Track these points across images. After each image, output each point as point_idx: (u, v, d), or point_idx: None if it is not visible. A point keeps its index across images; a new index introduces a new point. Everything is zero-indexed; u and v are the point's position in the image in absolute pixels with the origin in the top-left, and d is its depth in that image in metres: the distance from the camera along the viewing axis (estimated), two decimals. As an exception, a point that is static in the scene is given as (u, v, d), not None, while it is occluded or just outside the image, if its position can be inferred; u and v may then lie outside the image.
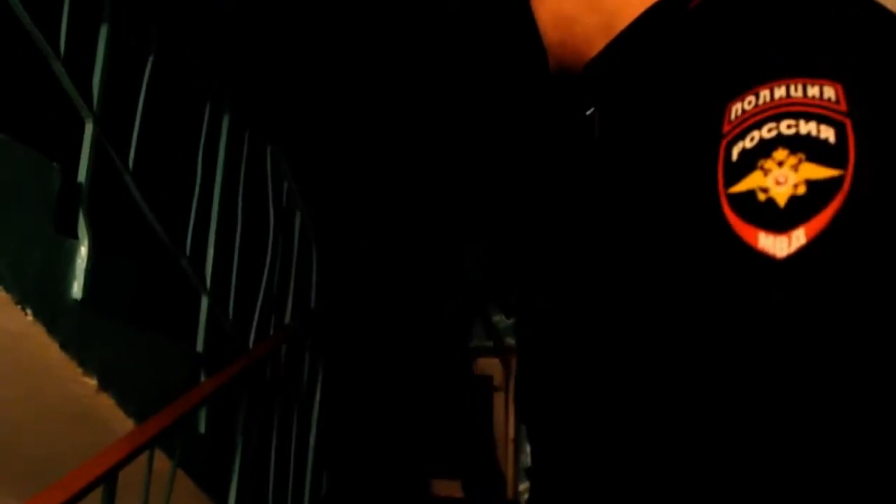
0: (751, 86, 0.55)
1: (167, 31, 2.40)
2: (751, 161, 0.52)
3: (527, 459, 5.08)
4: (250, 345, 2.90)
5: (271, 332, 3.09)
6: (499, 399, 5.40)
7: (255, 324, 2.96)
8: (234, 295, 2.79)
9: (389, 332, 4.70)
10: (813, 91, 0.53)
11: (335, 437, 3.76)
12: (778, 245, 0.49)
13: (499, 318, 5.49)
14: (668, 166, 0.58)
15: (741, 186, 0.52)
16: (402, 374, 4.66)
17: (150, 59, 2.31)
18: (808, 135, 0.51)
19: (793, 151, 0.51)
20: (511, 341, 5.50)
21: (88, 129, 2.04)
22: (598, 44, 0.73)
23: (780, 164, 0.51)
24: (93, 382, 2.00)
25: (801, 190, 0.50)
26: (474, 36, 3.82)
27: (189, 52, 2.63)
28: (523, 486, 5.18)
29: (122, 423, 2.13)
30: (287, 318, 3.27)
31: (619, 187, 0.62)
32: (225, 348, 2.71)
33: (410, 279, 4.86)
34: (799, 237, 0.49)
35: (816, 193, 0.50)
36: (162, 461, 2.14)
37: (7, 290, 1.73)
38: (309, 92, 4.25)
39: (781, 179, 0.51)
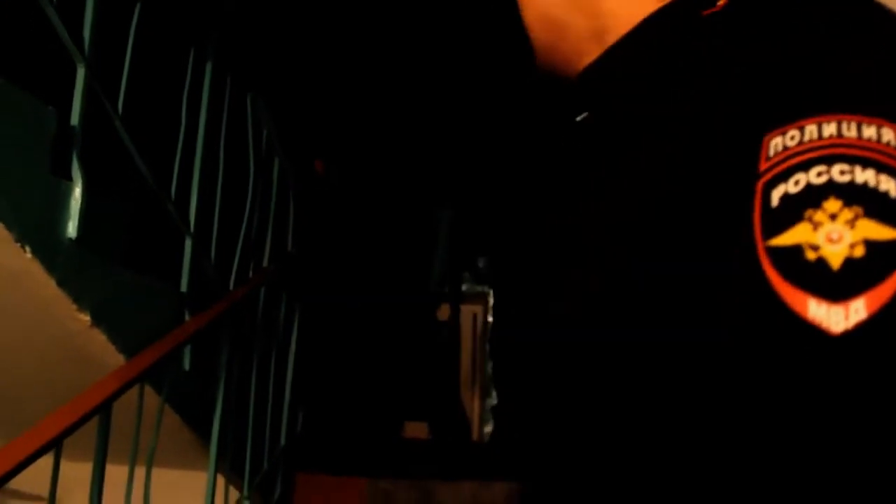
0: (794, 117, 0.47)
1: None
2: (796, 210, 0.45)
3: (492, 402, 5.24)
4: (231, 286, 2.99)
5: (250, 274, 3.18)
6: (466, 344, 5.54)
7: (235, 266, 3.04)
8: (216, 238, 2.87)
9: (363, 278, 4.80)
10: (869, 132, 0.45)
11: (310, 376, 3.87)
12: (833, 317, 0.42)
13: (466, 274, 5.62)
14: (682, 196, 0.51)
15: (784, 239, 0.45)
16: (375, 319, 4.77)
17: (138, 5, 2.35)
18: (866, 185, 0.44)
19: (847, 203, 0.44)
20: (479, 289, 5.63)
21: (80, 73, 2.09)
22: (589, 50, 0.68)
23: (833, 217, 0.44)
24: (86, 318, 2.09)
25: (859, 252, 0.43)
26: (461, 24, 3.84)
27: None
28: (488, 428, 5.35)
29: (114, 358, 2.22)
30: (265, 262, 3.36)
31: (619, 205, 0.56)
32: (208, 289, 2.79)
33: (384, 226, 4.95)
34: (858, 310, 0.42)
35: (878, 258, 0.43)
36: (150, 396, 2.24)
37: (8, 228, 1.80)
38: (291, 39, 4.28)
39: (835, 237, 0.43)
